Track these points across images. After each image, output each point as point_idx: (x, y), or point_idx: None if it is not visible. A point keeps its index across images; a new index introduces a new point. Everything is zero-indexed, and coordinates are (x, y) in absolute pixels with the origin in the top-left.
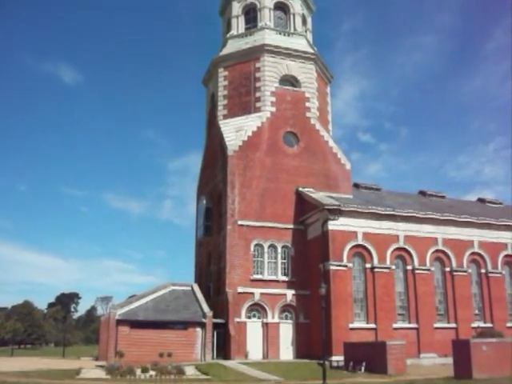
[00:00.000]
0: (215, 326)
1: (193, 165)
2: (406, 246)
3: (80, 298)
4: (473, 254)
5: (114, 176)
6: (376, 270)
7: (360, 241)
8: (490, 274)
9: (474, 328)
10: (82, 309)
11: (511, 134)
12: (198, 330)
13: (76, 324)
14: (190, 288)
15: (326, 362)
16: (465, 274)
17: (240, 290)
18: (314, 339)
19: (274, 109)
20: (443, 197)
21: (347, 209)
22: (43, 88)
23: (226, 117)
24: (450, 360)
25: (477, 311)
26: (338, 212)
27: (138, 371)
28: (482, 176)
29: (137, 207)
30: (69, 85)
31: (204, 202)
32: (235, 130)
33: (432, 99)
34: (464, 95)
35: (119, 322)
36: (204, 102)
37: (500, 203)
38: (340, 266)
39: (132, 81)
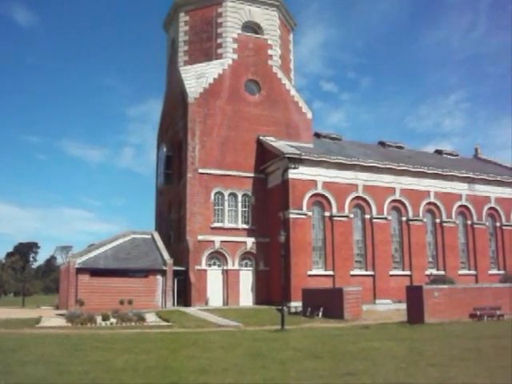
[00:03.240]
0: (176, 273)
1: (153, 112)
2: (365, 196)
3: (39, 247)
4: (428, 204)
5: (71, 123)
6: (335, 218)
7: (320, 190)
8: (444, 224)
9: (427, 275)
10: (41, 258)
11: (471, 87)
12: (159, 277)
13: (35, 274)
14: (150, 236)
15: (285, 308)
16: (420, 223)
17: (200, 237)
18: (273, 286)
19: (235, 56)
20: (402, 147)
21: (307, 158)
22: None
23: (186, 63)
24: (403, 306)
25: (430, 259)
26: (298, 161)
27: (99, 319)
28: (441, 128)
29: (96, 155)
30: (23, 27)
31: (164, 149)
32: (196, 77)
33: (395, 50)
34: (427, 47)
35: (79, 271)
36: (165, 48)
37: (456, 155)
38: (300, 214)
39: (90, 25)
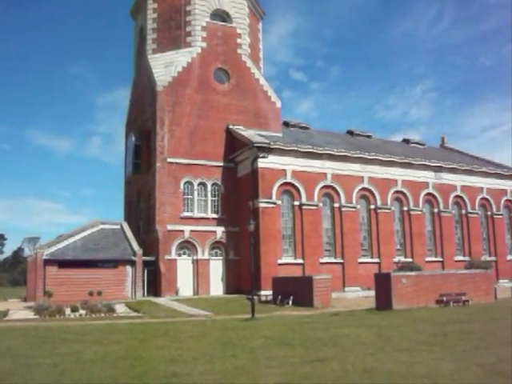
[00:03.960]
0: (145, 263)
1: (122, 100)
2: (334, 184)
3: (5, 239)
4: (396, 192)
5: (37, 112)
6: (304, 207)
7: (289, 178)
8: (412, 212)
9: (395, 262)
10: (8, 250)
11: (438, 76)
12: (128, 267)
13: (2, 266)
14: (119, 226)
15: (255, 297)
16: (388, 211)
17: (170, 227)
18: (243, 275)
19: (204, 44)
20: (370, 136)
21: (276, 147)
22: None
23: (155, 51)
24: (372, 293)
25: (398, 246)
26: (267, 150)
27: (68, 310)
28: (408, 117)
29: (63, 145)
30: None
31: (133, 138)
32: (165, 65)
33: (364, 39)
34: (395, 37)
35: (47, 262)
36: (133, 35)
37: (423, 144)
38: (269, 203)
39: (56, 11)
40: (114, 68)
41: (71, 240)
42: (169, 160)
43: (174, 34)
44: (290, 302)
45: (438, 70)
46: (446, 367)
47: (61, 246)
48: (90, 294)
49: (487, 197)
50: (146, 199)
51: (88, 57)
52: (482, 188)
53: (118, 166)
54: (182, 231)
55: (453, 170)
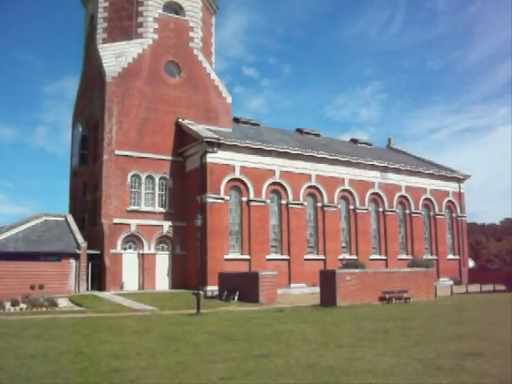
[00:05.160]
0: (90, 257)
1: (69, 89)
2: (282, 181)
3: None
4: (343, 190)
5: None
6: (252, 203)
7: (237, 174)
8: (358, 210)
9: (340, 260)
10: None
11: (388, 78)
12: (72, 261)
13: None
14: (63, 218)
15: (201, 292)
16: (335, 209)
17: (116, 221)
18: (189, 270)
19: (156, 36)
20: (319, 135)
21: (226, 142)
22: None
23: (105, 41)
24: (317, 289)
25: (344, 244)
26: (216, 145)
27: (8, 304)
28: (357, 117)
29: (7, 133)
30: None
31: (80, 129)
32: (115, 56)
33: (316, 39)
34: (347, 38)
35: None
36: (82, 23)
37: (371, 144)
38: (217, 198)
39: None
40: (63, 56)
41: (13, 232)
42: (116, 152)
43: (125, 24)
44: (236, 298)
45: (387, 73)
46: (387, 362)
47: (2, 237)
48: (32, 287)
49: (430, 197)
50: (92, 191)
51: (35, 43)
52: (425, 189)
53: (64, 156)
54: (129, 225)
55: (398, 171)
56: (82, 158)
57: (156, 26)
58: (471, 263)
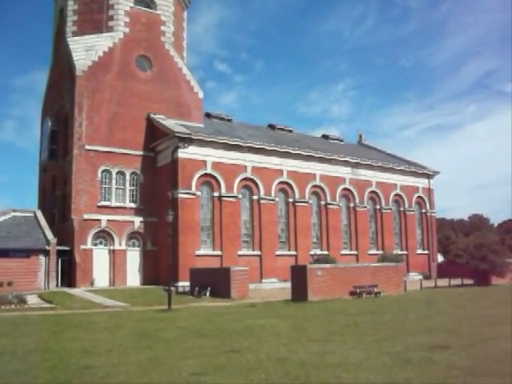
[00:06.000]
0: (60, 253)
1: (39, 83)
2: (253, 177)
3: None
4: (314, 186)
5: None
6: (223, 198)
7: (209, 170)
8: (329, 206)
9: (311, 255)
10: None
11: (359, 75)
12: (42, 257)
13: None
14: (32, 214)
15: (173, 288)
16: (306, 204)
17: (86, 216)
18: (161, 266)
19: (127, 30)
20: (290, 131)
21: (197, 137)
22: None
23: (75, 34)
24: (289, 284)
25: (315, 239)
26: (188, 140)
27: None
28: (329, 114)
29: None
30: None
31: (49, 123)
32: (85, 49)
33: (288, 35)
34: (319, 34)
35: None
36: (52, 16)
37: (342, 140)
38: (188, 194)
39: None
40: (32, 48)
41: None
42: (87, 147)
43: (95, 18)
44: (208, 294)
45: (359, 70)
46: (357, 356)
47: None
48: (0, 284)
49: (400, 193)
50: (61, 187)
51: (3, 34)
52: (395, 185)
53: (33, 151)
54: (99, 221)
55: (369, 167)
56: (51, 153)
57: (127, 20)
58: (440, 258)
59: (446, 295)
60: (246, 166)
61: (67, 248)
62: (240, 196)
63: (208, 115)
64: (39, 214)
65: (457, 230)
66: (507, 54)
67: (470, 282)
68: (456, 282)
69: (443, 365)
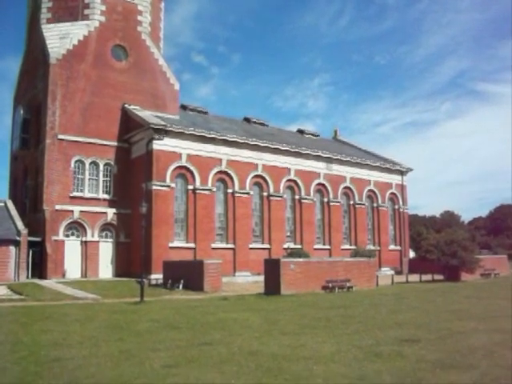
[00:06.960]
0: (31, 244)
1: (10, 70)
2: (228, 170)
3: None
4: (289, 180)
5: None
6: (198, 191)
7: (184, 162)
8: (303, 200)
9: (285, 249)
10: None
11: (335, 71)
12: (12, 248)
13: None
14: (3, 204)
15: (146, 280)
16: (280, 198)
17: (58, 207)
18: (134, 258)
19: (103, 18)
20: (266, 125)
21: (173, 129)
22: None
23: (49, 21)
24: (262, 278)
25: (289, 233)
26: (163, 132)
27: None
28: (305, 108)
29: None
30: None
31: (21, 112)
32: (60, 37)
33: (266, 29)
34: (296, 29)
35: None
36: (26, 1)
37: (317, 135)
38: (163, 186)
39: None
40: (4, 34)
41: None
42: (59, 137)
43: (70, 5)
44: (181, 286)
45: (335, 66)
46: (328, 349)
47: None
48: None
49: (374, 189)
50: (33, 176)
51: None
52: (369, 180)
53: (4, 140)
54: (71, 211)
55: (343, 162)
56: (23, 142)
57: (103, 8)
58: (412, 254)
59: (416, 290)
60: (221, 159)
61: (38, 239)
62: (214, 189)
63: (184, 107)
64: (10, 204)
65: (428, 226)
66: (480, 53)
67: (441, 277)
68: (427, 277)
69: (413, 358)
